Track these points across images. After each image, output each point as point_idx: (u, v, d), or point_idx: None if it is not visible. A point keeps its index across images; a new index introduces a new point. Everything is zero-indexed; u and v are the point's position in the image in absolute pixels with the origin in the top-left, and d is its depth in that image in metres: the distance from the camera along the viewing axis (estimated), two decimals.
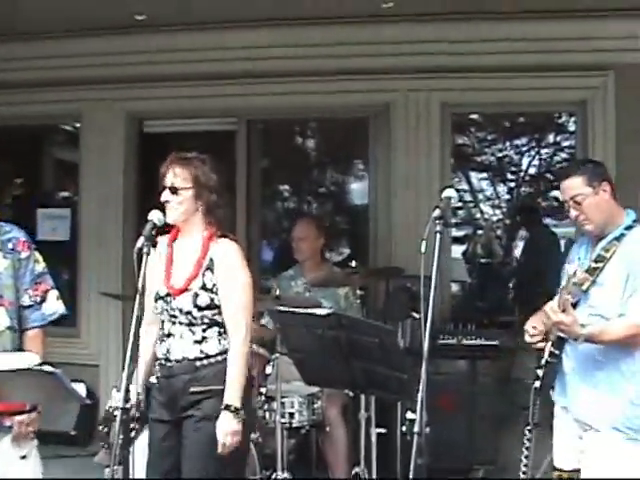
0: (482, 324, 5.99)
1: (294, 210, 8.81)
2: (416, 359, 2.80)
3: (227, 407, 3.12)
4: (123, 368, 3.00)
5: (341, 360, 3.17)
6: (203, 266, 3.28)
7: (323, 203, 9.00)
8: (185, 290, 3.28)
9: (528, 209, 8.34)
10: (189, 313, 3.27)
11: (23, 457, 3.08)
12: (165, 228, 3.39)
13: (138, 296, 3.04)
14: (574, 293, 3.13)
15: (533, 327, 3.28)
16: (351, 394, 3.29)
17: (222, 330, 3.26)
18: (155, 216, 3.28)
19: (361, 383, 3.21)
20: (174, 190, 3.31)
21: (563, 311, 3.06)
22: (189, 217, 3.33)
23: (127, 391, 2.94)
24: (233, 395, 3.14)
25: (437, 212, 2.89)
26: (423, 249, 2.81)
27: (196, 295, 3.26)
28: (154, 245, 3.20)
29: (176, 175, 3.31)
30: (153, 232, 3.21)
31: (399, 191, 6.04)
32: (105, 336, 6.44)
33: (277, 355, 4.45)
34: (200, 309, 3.25)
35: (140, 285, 3.06)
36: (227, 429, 3.12)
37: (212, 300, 3.24)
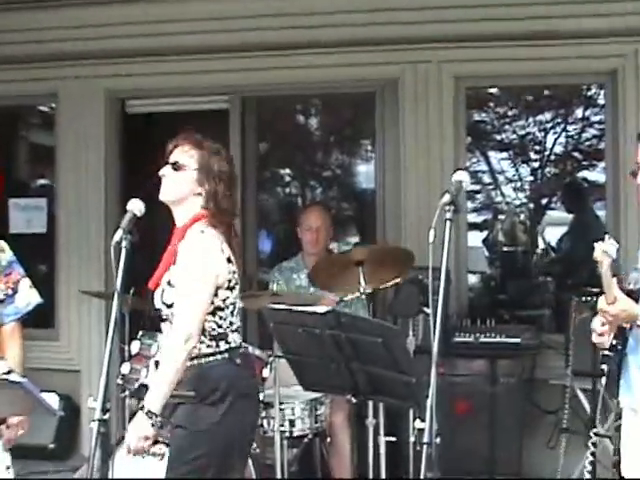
0: (503, 320, 6.01)
1: (294, 196, 8.79)
2: (430, 359, 2.82)
3: (141, 408, 3.13)
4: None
5: (342, 363, 3.17)
6: (174, 258, 3.29)
7: (326, 188, 8.99)
8: (157, 285, 3.32)
9: (574, 189, 8.28)
10: (160, 310, 3.30)
11: (8, 468, 3.29)
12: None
13: (116, 295, 3.03)
14: (637, 279, 3.12)
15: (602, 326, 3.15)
16: (354, 400, 3.27)
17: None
18: (135, 206, 3.27)
19: (364, 388, 3.20)
20: (177, 166, 3.34)
21: (612, 303, 2.99)
22: (182, 199, 3.35)
23: (105, 401, 2.93)
24: (151, 397, 3.12)
25: (446, 197, 2.88)
26: (431, 238, 2.81)
27: (162, 291, 3.29)
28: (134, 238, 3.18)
29: (184, 152, 3.36)
30: (132, 224, 3.21)
31: (409, 174, 6.03)
32: (87, 339, 6.44)
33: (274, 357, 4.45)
34: (168, 306, 3.26)
35: (118, 283, 3.05)
36: (134, 430, 3.13)
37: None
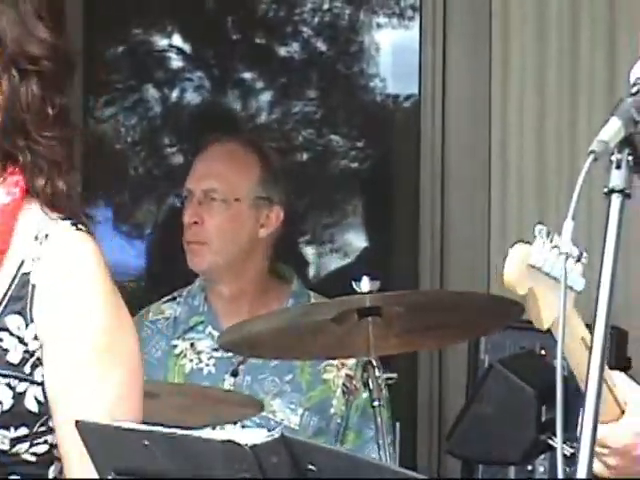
0: None
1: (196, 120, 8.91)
2: None
3: None
4: None
5: None
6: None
7: (283, 103, 9.09)
8: None
9: None
10: None
11: None
12: None
13: None
14: None
15: None
16: None
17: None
18: None
19: None
20: None
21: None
22: None
23: None
24: None
25: (611, 129, 2.91)
26: (567, 243, 2.88)
27: None
28: None
29: None
30: None
31: (514, 86, 6.40)
32: None
33: None
34: None
35: None
36: None
37: (23, 394, 3.55)
